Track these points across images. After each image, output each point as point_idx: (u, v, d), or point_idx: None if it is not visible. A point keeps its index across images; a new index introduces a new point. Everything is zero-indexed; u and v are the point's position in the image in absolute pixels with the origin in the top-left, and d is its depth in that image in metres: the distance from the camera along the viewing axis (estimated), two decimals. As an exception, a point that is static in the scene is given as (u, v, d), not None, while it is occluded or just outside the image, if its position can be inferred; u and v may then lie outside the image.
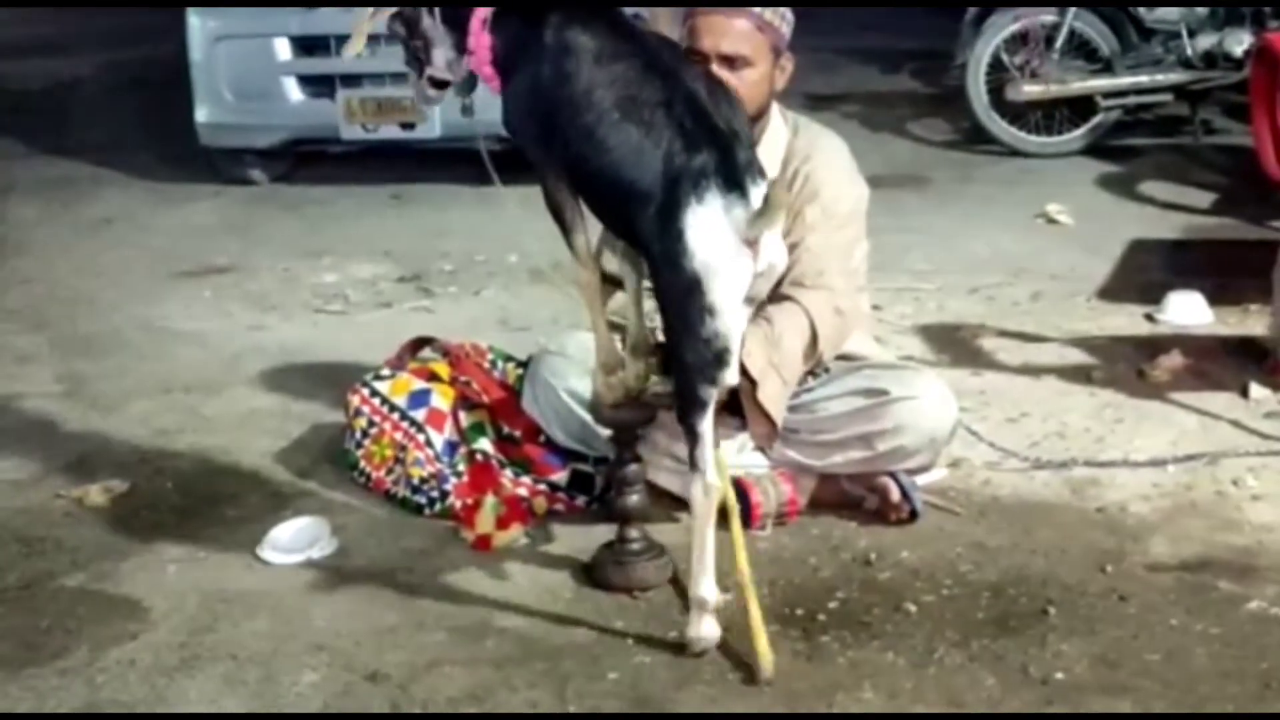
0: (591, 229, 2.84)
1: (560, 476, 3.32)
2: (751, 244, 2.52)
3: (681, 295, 2.53)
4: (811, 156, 3.12)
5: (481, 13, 2.74)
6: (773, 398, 2.91)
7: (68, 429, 3.93)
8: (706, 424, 2.62)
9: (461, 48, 2.78)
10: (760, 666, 2.58)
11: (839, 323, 3.08)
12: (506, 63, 2.74)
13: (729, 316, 2.54)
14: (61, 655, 2.77)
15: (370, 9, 2.79)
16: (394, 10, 2.79)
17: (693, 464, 2.64)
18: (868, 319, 3.40)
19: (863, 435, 3.15)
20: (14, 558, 3.18)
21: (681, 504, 3.24)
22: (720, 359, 2.56)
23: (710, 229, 2.49)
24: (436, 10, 2.78)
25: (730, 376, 2.60)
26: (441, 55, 2.80)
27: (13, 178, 7.00)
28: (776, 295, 3.01)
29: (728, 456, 3.08)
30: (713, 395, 2.61)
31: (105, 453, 3.75)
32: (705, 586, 2.68)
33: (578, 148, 2.63)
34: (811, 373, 3.17)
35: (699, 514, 2.68)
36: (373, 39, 2.88)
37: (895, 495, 3.18)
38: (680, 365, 2.62)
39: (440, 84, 2.83)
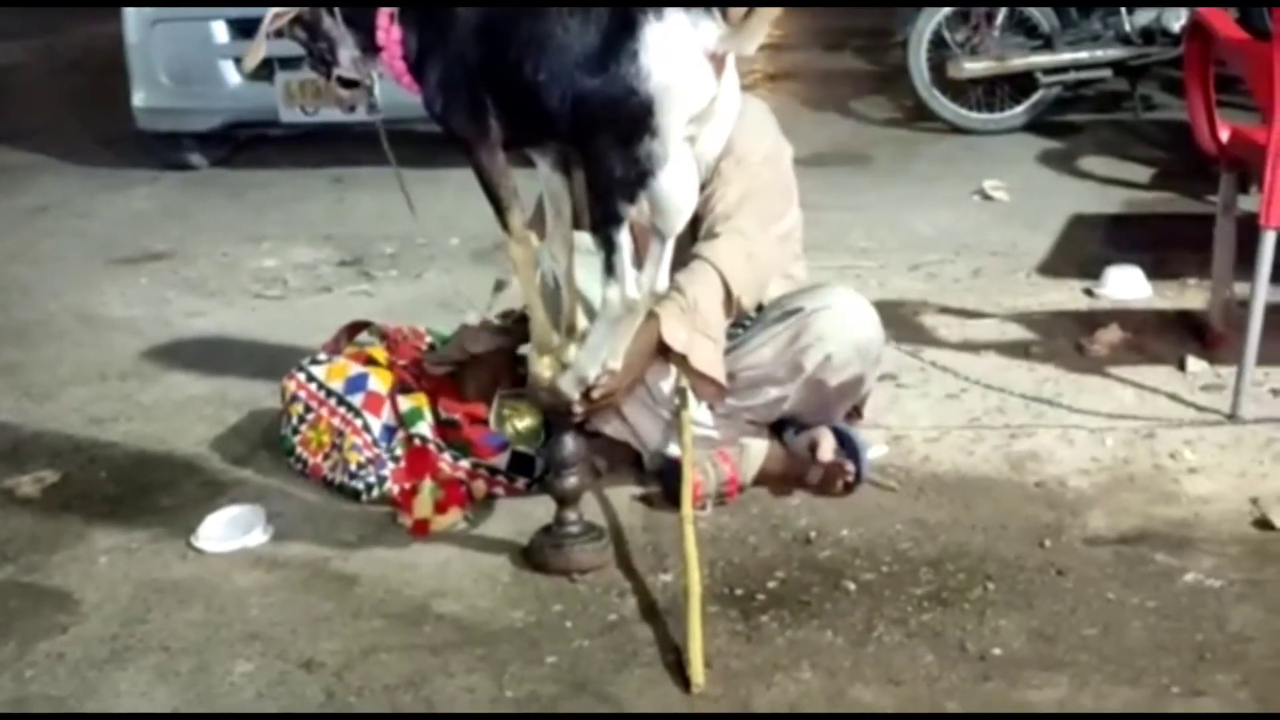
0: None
1: (500, 459, 3.29)
2: (716, 61, 2.50)
3: (625, 118, 2.49)
4: (737, 124, 3.11)
5: (387, 11, 2.72)
6: (707, 361, 2.97)
7: (-1, 419, 3.88)
8: (622, 236, 2.60)
9: (366, 46, 2.77)
10: (692, 676, 2.53)
11: (752, 268, 3.11)
12: (421, 50, 2.72)
13: (669, 141, 2.51)
14: (-10, 649, 2.73)
15: (269, 15, 2.75)
16: (292, 15, 2.76)
17: (609, 270, 2.63)
18: (803, 282, 3.39)
19: (790, 360, 3.16)
20: (-58, 550, 3.13)
21: (629, 462, 3.26)
22: (643, 179, 2.54)
23: (670, 45, 2.46)
24: (337, 11, 2.77)
25: (648, 199, 2.58)
26: (346, 55, 2.80)
27: (-55, 166, 6.90)
28: (685, 258, 3.02)
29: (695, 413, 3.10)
30: (629, 212, 2.59)
31: (38, 442, 3.70)
32: (589, 368, 2.76)
33: (519, 49, 2.58)
34: (738, 323, 3.20)
35: (610, 314, 2.69)
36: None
37: (828, 452, 3.17)
38: (602, 176, 2.57)
39: (349, 84, 2.82)
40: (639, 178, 2.54)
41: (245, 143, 7.00)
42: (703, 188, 3.02)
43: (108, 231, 5.83)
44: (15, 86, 8.73)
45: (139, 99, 6.60)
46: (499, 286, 3.36)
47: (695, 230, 3.11)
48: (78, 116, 7.69)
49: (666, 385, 3.16)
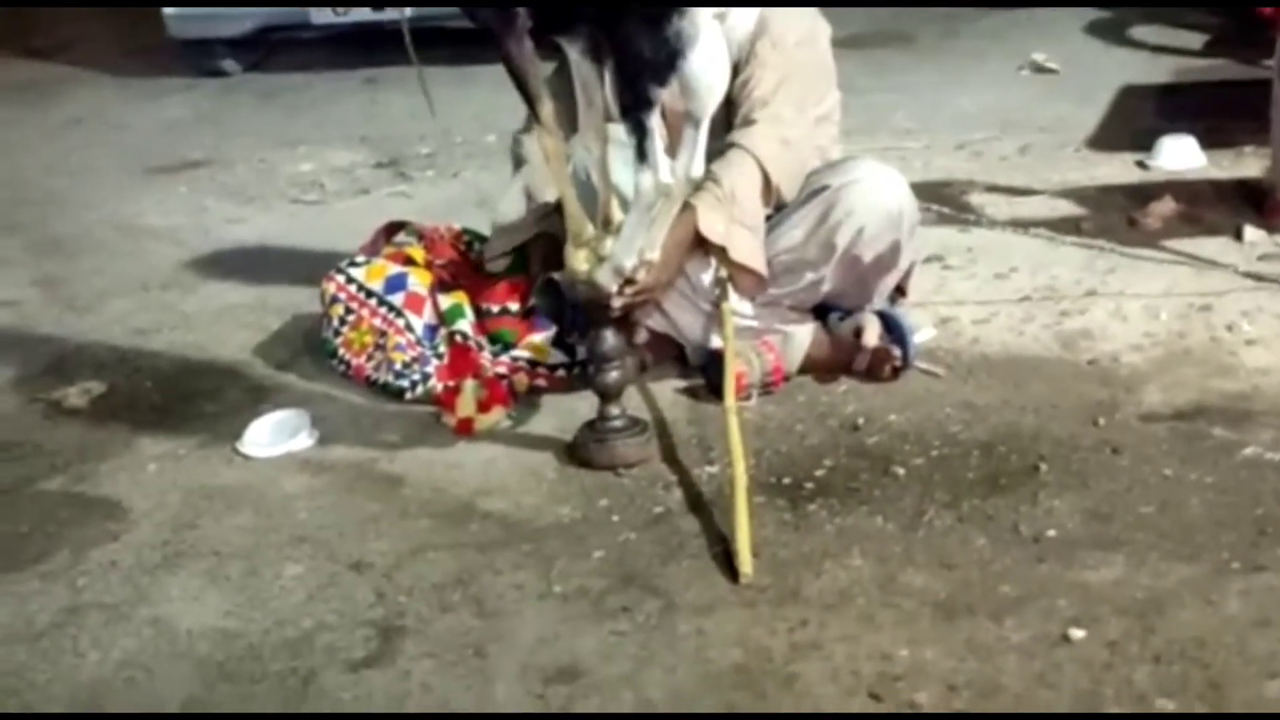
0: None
1: (545, 336, 3.25)
2: None
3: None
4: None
5: None
6: (746, 252, 2.91)
7: (44, 332, 3.87)
8: (653, 120, 2.56)
9: None
10: (740, 567, 2.50)
11: (790, 154, 3.04)
12: None
13: (697, 18, 2.46)
14: (42, 559, 2.73)
15: None
16: None
17: (641, 156, 2.58)
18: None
19: (822, 240, 3.09)
20: (-8, 464, 3.14)
21: (672, 356, 3.23)
22: (672, 60, 2.49)
23: None
24: None
25: (678, 80, 2.53)
26: None
27: (-22, 83, 6.88)
28: (720, 147, 2.96)
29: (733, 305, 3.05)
30: (660, 95, 2.54)
31: (82, 354, 3.69)
32: (626, 258, 2.71)
33: None
34: (782, 204, 3.13)
35: (644, 202, 2.64)
36: None
37: (873, 337, 3.12)
38: (631, 59, 2.52)
39: None
40: (668, 58, 2.47)
41: (278, 46, 6.93)
42: (737, 71, 2.95)
43: (143, 141, 5.80)
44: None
45: (169, 6, 6.54)
46: (497, 233, 3.30)
47: (731, 117, 3.05)
48: (109, 27, 7.63)
49: (706, 277, 3.11)
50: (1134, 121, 4.88)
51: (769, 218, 3.13)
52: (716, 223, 2.90)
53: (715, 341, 3.10)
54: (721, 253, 2.93)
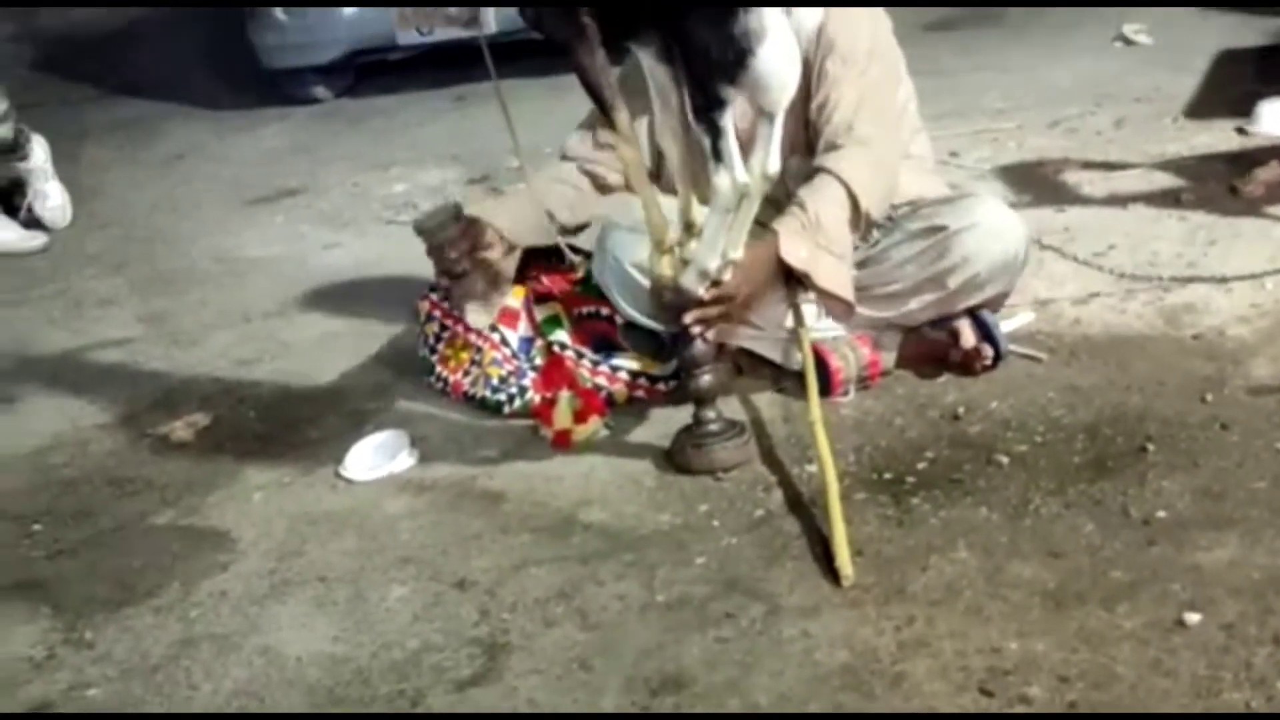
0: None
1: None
2: None
3: None
4: (831, 14, 2.96)
5: None
6: (831, 279, 2.85)
7: (151, 367, 3.94)
8: (726, 119, 2.53)
9: None
10: (840, 570, 2.48)
11: (880, 176, 2.95)
12: None
13: (765, 14, 2.43)
14: (155, 593, 2.78)
15: None
16: None
17: (717, 156, 2.56)
18: (926, 158, 3.27)
19: (932, 276, 3.04)
20: (106, 500, 3.20)
21: (767, 366, 3.19)
22: (742, 57, 2.45)
23: None
24: None
25: (749, 78, 2.49)
26: None
27: (86, 122, 7.00)
28: (808, 171, 2.92)
29: (807, 320, 3.02)
30: (731, 94, 2.51)
31: (188, 388, 3.76)
32: (709, 259, 2.69)
33: None
34: (872, 226, 3.06)
35: (723, 202, 2.61)
36: None
37: (969, 339, 3.06)
38: (700, 60, 2.50)
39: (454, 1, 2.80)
40: (738, 56, 2.44)
41: (368, 70, 7.01)
42: (811, 93, 2.91)
43: (241, 172, 5.89)
44: (140, 38, 8.81)
45: (259, 38, 6.65)
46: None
47: (812, 140, 3.00)
48: (203, 62, 7.76)
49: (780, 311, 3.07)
50: (1232, 87, 4.77)
51: (871, 239, 3.09)
52: (799, 249, 2.83)
53: (797, 361, 3.06)
54: (805, 280, 2.86)
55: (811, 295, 2.97)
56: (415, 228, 3.26)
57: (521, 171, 3.35)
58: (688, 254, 2.76)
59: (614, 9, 2.57)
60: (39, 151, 5.33)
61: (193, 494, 3.17)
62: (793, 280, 2.88)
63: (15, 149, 5.23)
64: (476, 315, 3.31)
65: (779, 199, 2.94)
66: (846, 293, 2.89)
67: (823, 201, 2.88)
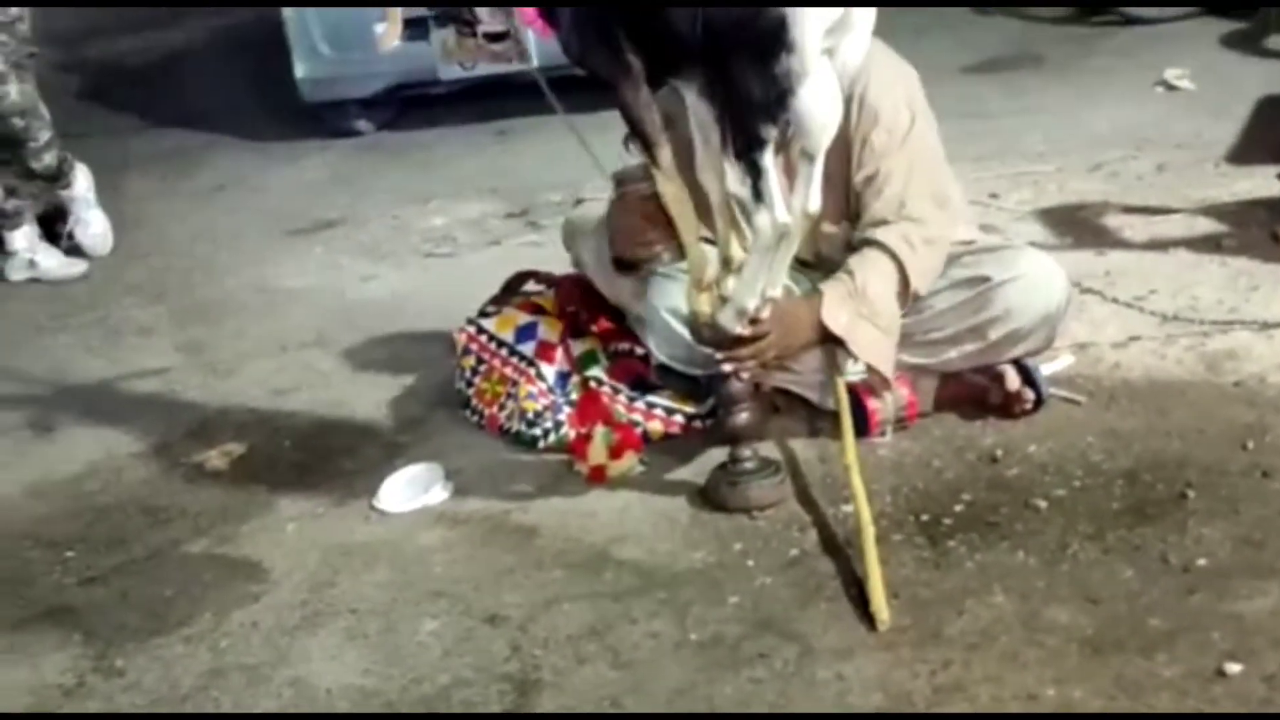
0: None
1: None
2: None
3: (759, 36, 2.41)
4: (867, 80, 2.92)
5: None
6: (870, 350, 2.88)
7: (187, 396, 3.96)
8: (767, 159, 2.52)
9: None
10: (875, 614, 2.45)
11: (933, 255, 2.96)
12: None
13: (807, 56, 2.42)
14: (187, 622, 2.78)
15: None
16: None
17: (757, 197, 2.55)
18: (965, 209, 3.25)
19: (973, 327, 3.02)
20: (140, 528, 3.21)
21: (803, 405, 3.17)
22: (783, 98, 2.45)
23: None
24: None
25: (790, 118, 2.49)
26: (486, 11, 2.86)
27: (129, 152, 7.05)
28: (857, 242, 2.94)
29: (845, 364, 3.01)
30: (772, 133, 2.51)
31: (224, 417, 3.77)
32: (749, 298, 2.70)
33: None
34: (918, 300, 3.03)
35: (763, 242, 2.60)
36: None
37: (1014, 383, 3.04)
38: (741, 99, 2.49)
39: (497, 36, 2.82)
40: (779, 97, 2.44)
41: (410, 104, 7.04)
42: (855, 164, 2.94)
43: (282, 204, 5.93)
44: (192, 70, 8.89)
45: (301, 70, 6.69)
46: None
47: (858, 208, 3.00)
48: (246, 94, 7.81)
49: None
50: (1274, 133, 4.73)
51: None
52: (840, 314, 2.86)
53: (831, 403, 3.06)
54: (841, 344, 2.89)
55: (851, 361, 2.98)
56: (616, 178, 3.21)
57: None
58: (726, 291, 2.75)
59: (657, 46, 2.58)
60: (81, 180, 5.38)
61: (226, 523, 3.17)
62: (830, 342, 2.91)
63: (59, 176, 5.28)
64: None
65: (810, 261, 2.99)
66: (886, 367, 2.91)
67: (873, 274, 2.90)
